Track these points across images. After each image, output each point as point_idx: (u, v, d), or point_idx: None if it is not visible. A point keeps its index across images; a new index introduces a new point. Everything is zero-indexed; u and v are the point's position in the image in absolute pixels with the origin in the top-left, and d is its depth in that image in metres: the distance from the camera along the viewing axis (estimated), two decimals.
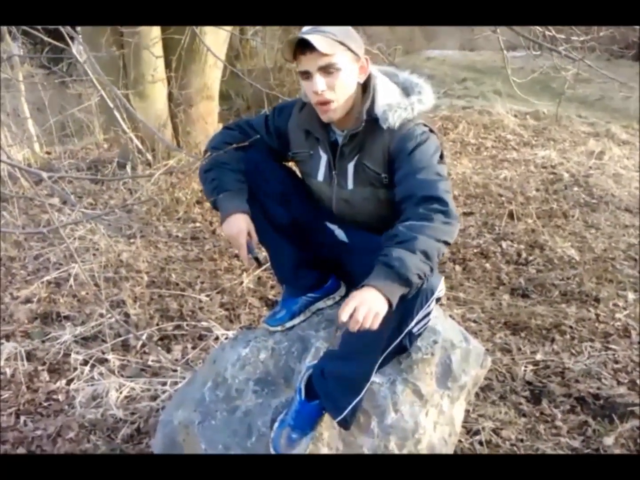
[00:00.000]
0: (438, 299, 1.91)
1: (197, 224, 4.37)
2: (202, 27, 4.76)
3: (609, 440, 2.35)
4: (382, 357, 1.84)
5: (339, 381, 1.85)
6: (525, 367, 2.81)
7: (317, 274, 2.15)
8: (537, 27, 4.11)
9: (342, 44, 1.73)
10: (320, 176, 1.96)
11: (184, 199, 4.60)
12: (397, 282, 1.59)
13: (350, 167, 1.89)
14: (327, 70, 1.73)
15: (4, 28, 6.06)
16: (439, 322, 2.03)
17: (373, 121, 1.82)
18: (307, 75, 1.76)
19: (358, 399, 1.86)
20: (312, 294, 2.15)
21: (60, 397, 2.67)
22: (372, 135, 1.83)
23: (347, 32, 1.77)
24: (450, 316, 2.59)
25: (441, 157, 1.82)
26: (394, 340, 1.83)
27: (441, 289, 1.88)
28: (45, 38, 2.93)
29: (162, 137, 3.72)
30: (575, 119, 7.63)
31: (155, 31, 5.06)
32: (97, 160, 5.73)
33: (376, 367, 1.86)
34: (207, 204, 4.64)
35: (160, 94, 5.33)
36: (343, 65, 1.75)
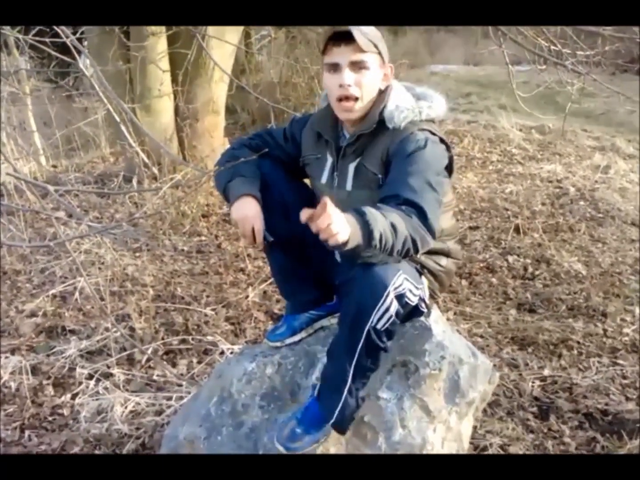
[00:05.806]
0: (400, 296, 1.78)
1: (203, 238, 4.37)
2: (209, 41, 4.78)
3: None
4: (355, 357, 1.80)
5: (325, 380, 1.91)
6: (533, 382, 2.79)
7: (319, 290, 2.13)
8: (543, 42, 4.12)
9: (375, 46, 1.78)
10: (324, 178, 1.98)
11: (189, 213, 4.60)
12: (360, 227, 1.53)
13: (351, 168, 1.90)
14: (357, 66, 1.78)
15: (12, 42, 6.11)
16: (447, 337, 2.02)
17: (380, 122, 1.84)
18: (335, 68, 1.79)
19: (342, 399, 1.85)
20: (314, 311, 2.14)
21: (65, 411, 2.66)
22: (377, 136, 1.85)
23: (379, 37, 1.81)
24: (457, 331, 2.57)
25: (447, 169, 1.83)
26: (359, 336, 1.76)
27: (399, 285, 1.76)
28: (52, 52, 2.95)
29: (168, 150, 3.72)
30: (580, 133, 7.63)
31: (161, 45, 5.08)
32: (103, 173, 5.74)
33: (352, 366, 1.81)
34: (213, 218, 4.65)
35: (166, 108, 5.34)
36: (372, 66, 1.80)
